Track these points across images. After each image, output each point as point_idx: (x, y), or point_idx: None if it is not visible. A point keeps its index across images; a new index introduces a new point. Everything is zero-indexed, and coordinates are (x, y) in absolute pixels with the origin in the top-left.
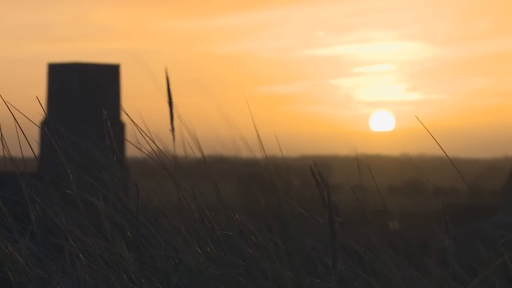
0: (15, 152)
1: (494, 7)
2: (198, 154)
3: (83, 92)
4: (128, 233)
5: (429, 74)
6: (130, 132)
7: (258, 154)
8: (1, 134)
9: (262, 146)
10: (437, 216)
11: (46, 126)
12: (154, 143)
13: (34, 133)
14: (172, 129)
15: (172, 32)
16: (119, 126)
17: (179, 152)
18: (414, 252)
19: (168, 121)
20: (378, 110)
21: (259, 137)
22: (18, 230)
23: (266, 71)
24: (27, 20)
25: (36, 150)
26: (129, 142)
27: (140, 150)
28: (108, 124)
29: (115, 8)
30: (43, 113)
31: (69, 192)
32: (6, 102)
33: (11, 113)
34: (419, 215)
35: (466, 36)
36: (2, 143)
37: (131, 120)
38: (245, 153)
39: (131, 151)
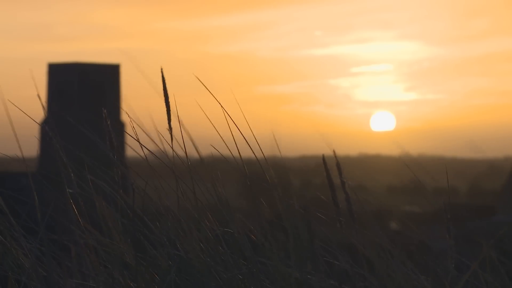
0: (15, 151)
1: (492, 7)
2: (198, 154)
3: (83, 92)
4: (131, 231)
5: (427, 74)
6: (130, 132)
7: (258, 154)
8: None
9: (260, 146)
10: (437, 216)
11: (46, 125)
12: (154, 143)
13: (34, 133)
14: (170, 129)
15: (172, 32)
16: (119, 126)
17: (179, 152)
18: (415, 251)
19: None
20: (377, 110)
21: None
22: (19, 229)
23: (265, 71)
24: (27, 20)
25: (37, 149)
26: (129, 142)
27: (138, 150)
28: (109, 123)
29: (115, 8)
30: (43, 112)
31: (70, 191)
32: (7, 101)
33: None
34: (419, 215)
35: (463, 36)
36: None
37: (131, 119)
38: (245, 153)
39: (131, 150)
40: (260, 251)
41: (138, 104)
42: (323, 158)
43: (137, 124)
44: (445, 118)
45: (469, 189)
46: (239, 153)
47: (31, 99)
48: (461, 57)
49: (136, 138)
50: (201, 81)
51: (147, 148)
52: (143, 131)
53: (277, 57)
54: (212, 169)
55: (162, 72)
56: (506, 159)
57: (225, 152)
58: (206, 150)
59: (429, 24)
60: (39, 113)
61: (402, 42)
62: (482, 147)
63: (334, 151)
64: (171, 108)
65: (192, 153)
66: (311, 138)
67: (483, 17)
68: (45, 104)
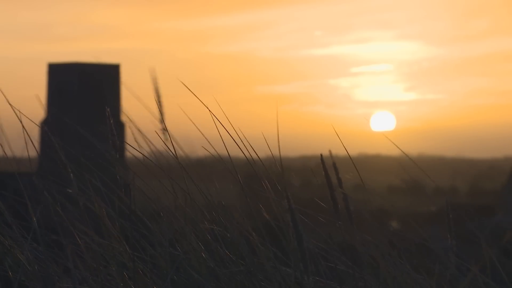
0: (15, 151)
1: (492, 7)
2: (197, 154)
3: (83, 92)
4: (129, 231)
5: (427, 74)
6: (129, 132)
7: (258, 154)
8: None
9: (267, 145)
10: (437, 216)
11: (46, 125)
12: (153, 143)
13: (34, 133)
14: (164, 129)
15: (172, 32)
16: (119, 126)
17: (179, 152)
18: (415, 252)
19: (168, 120)
20: (377, 110)
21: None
22: (19, 229)
23: (265, 71)
24: (27, 20)
25: (36, 149)
26: (128, 142)
27: (138, 150)
28: (111, 122)
29: (115, 8)
30: (43, 112)
31: (69, 191)
32: (8, 102)
33: (14, 110)
34: (419, 215)
35: (463, 36)
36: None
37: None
38: (244, 153)
39: (130, 150)
40: (258, 251)
41: (138, 104)
42: (321, 158)
43: (136, 125)
44: (445, 118)
45: (469, 189)
46: (228, 153)
47: (31, 99)
48: (461, 57)
49: (134, 139)
50: (184, 84)
51: (144, 150)
52: (142, 131)
53: (277, 57)
54: (209, 170)
55: (154, 72)
56: (506, 159)
57: (224, 152)
58: (204, 150)
59: (429, 24)
60: (39, 113)
61: (402, 42)
62: (482, 147)
63: (330, 151)
64: (164, 109)
65: (192, 153)
66: (311, 138)
67: (483, 17)
68: (45, 104)
